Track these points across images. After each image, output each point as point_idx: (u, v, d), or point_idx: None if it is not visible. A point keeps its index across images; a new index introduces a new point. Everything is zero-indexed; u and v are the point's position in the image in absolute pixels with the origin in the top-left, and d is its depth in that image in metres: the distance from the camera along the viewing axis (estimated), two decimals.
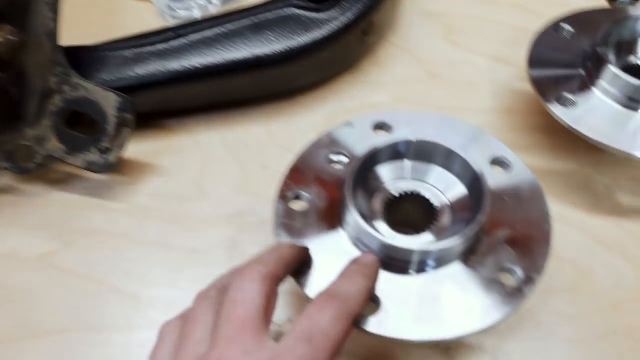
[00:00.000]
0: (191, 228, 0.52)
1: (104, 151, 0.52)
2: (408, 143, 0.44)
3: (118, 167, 0.53)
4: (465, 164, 0.43)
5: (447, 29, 0.67)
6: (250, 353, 0.29)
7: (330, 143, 0.47)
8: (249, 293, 0.32)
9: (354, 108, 0.60)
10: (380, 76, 0.63)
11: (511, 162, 0.45)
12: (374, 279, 0.37)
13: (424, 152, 0.44)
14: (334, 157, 0.46)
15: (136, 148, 0.57)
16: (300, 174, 0.45)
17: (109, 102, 0.52)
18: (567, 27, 0.55)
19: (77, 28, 0.69)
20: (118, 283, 0.49)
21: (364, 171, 0.44)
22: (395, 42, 0.66)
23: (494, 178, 0.44)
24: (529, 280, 0.39)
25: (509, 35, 0.65)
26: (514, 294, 0.38)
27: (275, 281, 0.34)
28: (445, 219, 0.43)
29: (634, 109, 0.49)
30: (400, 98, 0.61)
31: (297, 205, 0.43)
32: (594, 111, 0.49)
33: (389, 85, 0.62)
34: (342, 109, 0.60)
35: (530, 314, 0.45)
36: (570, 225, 0.50)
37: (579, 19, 0.56)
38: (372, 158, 0.43)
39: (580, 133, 0.47)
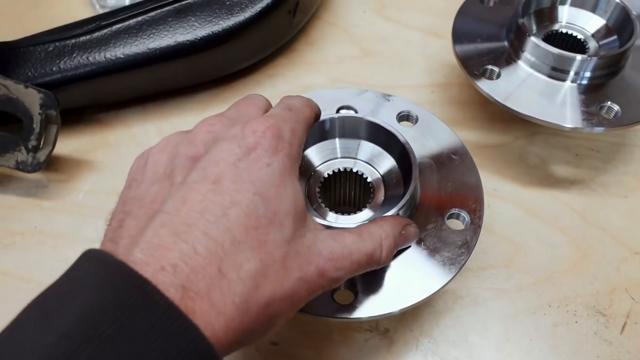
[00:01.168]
0: None
1: (33, 150, 0.47)
2: (332, 120, 0.41)
3: (47, 165, 0.48)
4: (391, 136, 0.40)
5: (381, 5, 0.63)
6: (255, 110, 0.33)
7: None
8: (299, 104, 0.34)
9: (289, 91, 0.55)
10: (315, 56, 0.59)
11: (417, 115, 0.44)
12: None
13: (349, 129, 0.41)
14: None
15: (71, 144, 0.53)
16: None
17: (32, 99, 0.47)
18: None
19: (4, 23, 0.63)
20: None
21: None
22: (330, 20, 0.62)
23: (405, 133, 0.41)
24: (474, 224, 0.38)
25: (441, 7, 0.61)
26: (462, 247, 0.37)
27: (312, 120, 0.35)
28: (380, 193, 0.41)
29: (560, 79, 0.45)
30: (335, 78, 0.56)
31: None
32: (521, 84, 0.45)
33: (324, 65, 0.58)
34: (277, 93, 0.55)
35: (467, 291, 0.43)
36: (505, 199, 0.48)
37: None
38: None
39: (508, 108, 0.44)
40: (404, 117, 0.44)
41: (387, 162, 0.41)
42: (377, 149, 0.41)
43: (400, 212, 0.36)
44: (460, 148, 0.42)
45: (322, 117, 0.40)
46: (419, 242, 0.37)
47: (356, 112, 0.44)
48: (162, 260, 0.25)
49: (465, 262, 0.36)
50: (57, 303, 0.24)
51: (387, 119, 0.42)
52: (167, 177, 0.30)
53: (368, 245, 0.32)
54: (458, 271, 0.36)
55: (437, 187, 0.40)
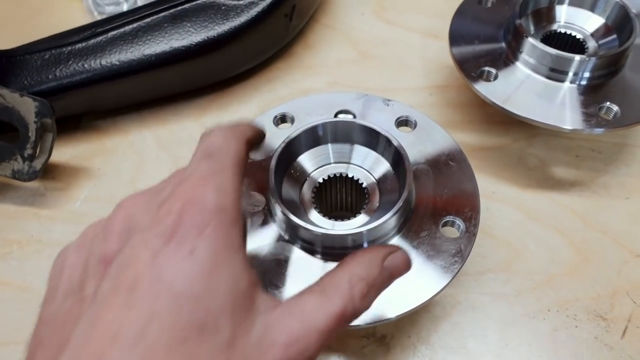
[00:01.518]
0: None
1: (29, 158, 0.47)
2: (324, 125, 0.40)
3: (44, 173, 0.48)
4: (385, 139, 0.39)
5: (380, 7, 0.63)
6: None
7: None
8: (216, 141, 0.28)
9: (287, 95, 0.55)
10: (313, 60, 0.58)
11: (415, 120, 0.43)
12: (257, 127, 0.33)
13: (342, 133, 0.41)
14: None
15: (68, 151, 0.53)
16: None
17: (28, 107, 0.47)
18: None
19: (5, 30, 0.64)
20: None
21: (286, 163, 0.40)
22: (328, 23, 0.61)
23: (404, 139, 0.40)
24: (469, 233, 0.37)
25: (441, 8, 0.61)
26: (456, 255, 0.36)
27: (243, 141, 0.29)
28: (376, 198, 0.40)
29: (559, 80, 0.45)
30: (333, 82, 0.56)
31: None
32: (519, 85, 0.45)
33: (322, 69, 0.58)
34: (275, 97, 0.55)
35: (465, 296, 0.42)
36: (504, 202, 0.47)
37: None
38: (290, 149, 0.40)
39: (506, 110, 0.43)
40: (402, 122, 0.44)
41: (382, 167, 0.41)
42: (372, 153, 0.41)
43: (395, 218, 0.36)
44: (459, 154, 0.41)
45: (314, 123, 0.40)
46: (416, 247, 0.37)
47: (354, 116, 0.44)
48: None
49: (459, 271, 0.36)
50: None
51: (385, 124, 0.42)
52: (80, 287, 0.26)
53: (335, 303, 0.26)
54: (450, 281, 0.35)
55: (432, 193, 0.39)
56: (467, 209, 0.38)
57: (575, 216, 0.46)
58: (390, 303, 0.34)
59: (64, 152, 0.53)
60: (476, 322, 0.41)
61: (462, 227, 0.38)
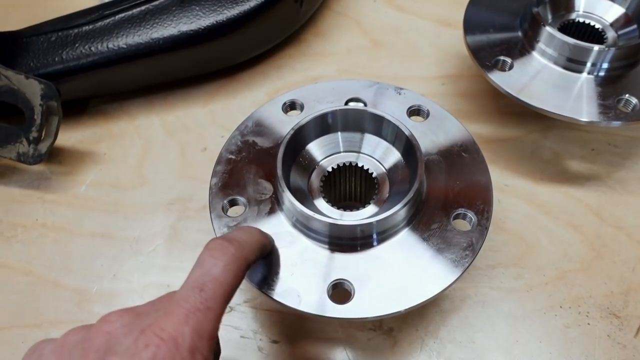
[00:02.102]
0: (132, 217, 0.47)
1: (34, 142, 0.47)
2: (334, 113, 0.39)
3: (49, 157, 0.48)
4: (396, 129, 0.38)
5: None
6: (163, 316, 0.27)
7: (252, 131, 0.41)
8: (215, 270, 0.29)
9: (297, 82, 0.54)
10: (324, 47, 0.57)
11: (428, 109, 0.42)
12: (269, 238, 0.35)
13: (352, 122, 0.40)
14: (258, 140, 0.41)
15: (74, 136, 0.52)
16: (229, 175, 0.39)
17: (33, 90, 0.46)
18: None
19: (13, 11, 0.63)
20: (59, 277, 0.44)
21: (294, 151, 0.39)
22: (339, 10, 0.60)
23: (416, 129, 0.39)
24: (481, 226, 0.36)
25: None
26: (467, 249, 0.35)
27: (240, 265, 0.30)
28: (385, 188, 0.39)
29: (576, 70, 0.44)
30: (344, 70, 0.55)
31: (235, 211, 0.38)
32: (535, 76, 0.44)
33: (332, 57, 0.56)
34: (284, 84, 0.54)
35: (475, 291, 0.41)
36: (517, 195, 0.46)
37: None
38: (299, 136, 0.39)
39: (520, 100, 0.42)
40: (414, 111, 0.43)
41: (392, 157, 0.40)
42: (383, 142, 0.40)
43: (405, 209, 0.35)
44: (472, 145, 0.40)
45: (324, 110, 0.39)
46: (426, 239, 0.36)
47: (365, 104, 0.43)
48: None
49: (469, 265, 0.35)
50: None
51: (397, 113, 0.41)
52: None
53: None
54: (460, 275, 0.34)
55: (444, 184, 0.38)
56: (480, 201, 0.37)
57: (589, 211, 0.45)
58: (399, 296, 0.34)
59: (70, 136, 0.52)
60: (486, 317, 0.40)
61: (474, 220, 0.37)
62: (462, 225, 0.37)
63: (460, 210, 0.37)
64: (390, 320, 0.40)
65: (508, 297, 0.41)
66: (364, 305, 0.33)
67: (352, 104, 0.42)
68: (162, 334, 0.25)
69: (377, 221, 0.34)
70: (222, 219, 0.37)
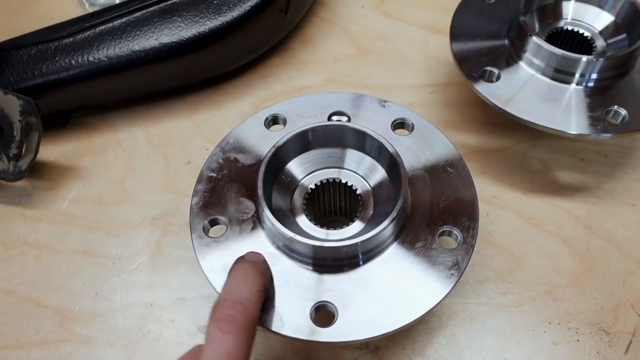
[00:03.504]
0: (114, 233, 0.47)
1: (14, 158, 0.46)
2: (314, 130, 0.39)
3: (31, 172, 0.47)
4: (379, 145, 0.38)
5: (380, 0, 0.61)
6: None
7: (233, 148, 0.41)
8: (231, 345, 0.29)
9: (282, 92, 0.53)
10: (310, 55, 0.57)
11: (413, 122, 0.41)
12: (266, 275, 0.34)
13: (333, 138, 0.39)
14: (240, 158, 0.40)
15: (57, 149, 0.52)
16: (210, 194, 0.39)
17: (12, 106, 0.45)
18: None
19: None
20: (41, 297, 0.44)
21: (276, 170, 0.39)
22: (326, 17, 0.60)
23: (400, 143, 0.39)
24: (467, 244, 0.35)
25: (444, 2, 0.58)
26: (452, 267, 0.35)
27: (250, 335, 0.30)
28: (370, 204, 0.39)
29: (564, 81, 0.43)
30: (330, 79, 0.54)
31: (216, 231, 0.37)
32: (522, 86, 0.43)
33: (319, 65, 0.56)
34: (269, 95, 0.54)
35: (463, 307, 0.41)
36: (505, 207, 0.45)
37: None
38: (279, 155, 0.38)
39: (508, 113, 0.42)
40: (399, 124, 0.42)
41: (376, 173, 0.39)
42: (366, 158, 0.40)
43: (390, 227, 0.35)
44: (457, 160, 0.40)
45: (303, 128, 0.39)
46: (414, 255, 0.35)
47: (349, 118, 0.42)
48: None
49: (455, 285, 0.34)
50: None
51: (381, 127, 0.40)
52: None
53: None
54: (445, 296, 0.34)
55: (429, 201, 0.37)
56: (465, 218, 0.37)
57: (579, 223, 0.44)
58: (384, 317, 0.33)
59: (52, 150, 0.51)
60: (473, 333, 0.40)
61: (459, 237, 0.36)
62: (448, 242, 0.36)
63: (446, 228, 0.36)
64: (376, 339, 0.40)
65: (496, 313, 0.41)
66: (348, 328, 0.33)
67: (335, 118, 0.42)
68: None
69: (362, 241, 0.34)
70: (203, 239, 0.36)
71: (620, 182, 0.47)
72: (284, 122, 0.42)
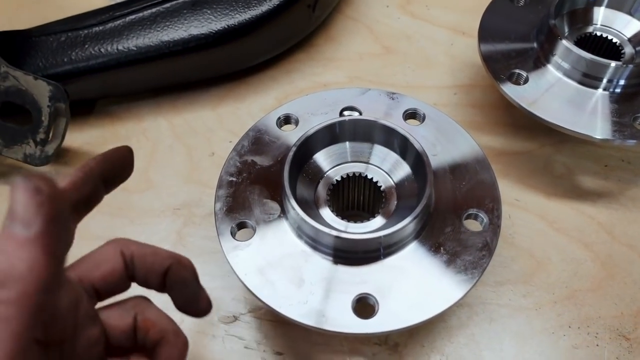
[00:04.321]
0: (138, 221, 0.47)
1: (41, 143, 0.47)
2: (342, 124, 0.39)
3: (57, 158, 0.48)
4: (406, 141, 0.38)
5: (405, 0, 0.61)
6: None
7: (250, 150, 0.41)
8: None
9: (306, 88, 0.54)
10: (335, 52, 0.57)
11: (424, 112, 0.42)
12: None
13: (361, 132, 0.40)
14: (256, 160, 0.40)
15: (82, 137, 0.52)
16: (233, 199, 0.39)
17: (41, 91, 0.46)
18: None
19: (23, 8, 0.63)
20: None
21: (301, 161, 0.39)
22: (352, 15, 0.60)
23: (414, 132, 0.40)
24: (493, 225, 0.36)
25: (470, 4, 0.59)
26: (483, 249, 0.35)
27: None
28: (393, 200, 0.39)
29: (592, 86, 0.43)
30: (354, 77, 0.55)
31: (243, 235, 0.37)
32: (549, 89, 0.43)
33: (343, 62, 0.56)
34: (293, 90, 0.54)
35: (483, 307, 0.41)
36: (528, 210, 0.46)
37: None
38: (306, 147, 0.39)
39: (534, 115, 0.42)
40: (410, 115, 0.43)
41: (401, 169, 0.40)
42: (391, 154, 0.40)
43: (413, 223, 0.35)
44: (472, 145, 0.40)
45: (331, 121, 0.39)
46: (437, 248, 0.36)
47: (360, 113, 0.42)
48: None
49: (487, 265, 0.35)
50: None
51: (393, 118, 0.41)
52: None
53: None
54: (481, 275, 0.34)
55: (451, 187, 0.38)
56: (488, 200, 0.38)
57: (601, 229, 0.45)
58: (425, 303, 0.34)
59: (76, 137, 0.52)
60: (493, 334, 0.40)
61: (485, 220, 0.37)
62: (475, 225, 0.37)
63: (471, 211, 0.37)
64: (395, 335, 0.40)
65: (516, 315, 0.41)
66: (391, 318, 0.33)
67: (346, 113, 0.42)
68: None
69: (396, 231, 0.34)
70: (231, 243, 0.37)
71: None
72: (296, 122, 0.42)
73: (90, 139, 0.52)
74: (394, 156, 0.40)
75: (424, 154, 0.37)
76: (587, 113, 0.42)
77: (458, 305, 0.41)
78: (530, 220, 0.45)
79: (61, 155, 0.50)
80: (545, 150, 0.49)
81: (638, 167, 0.48)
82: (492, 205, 0.37)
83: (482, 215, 0.37)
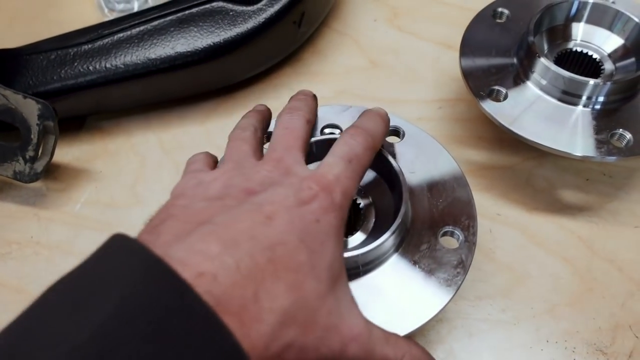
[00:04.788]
0: None
1: (31, 160, 0.48)
2: (317, 143, 0.40)
3: (47, 174, 0.49)
4: (383, 159, 0.39)
5: (393, 13, 0.62)
6: (299, 161, 0.33)
7: None
8: (297, 125, 0.36)
9: None
10: (322, 67, 0.58)
11: (404, 130, 0.43)
12: (388, 122, 0.38)
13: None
14: None
15: (71, 152, 0.53)
16: None
17: (30, 109, 0.47)
18: (503, 10, 0.50)
19: (16, 23, 0.64)
20: None
21: None
22: (338, 29, 0.61)
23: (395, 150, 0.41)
24: (469, 242, 0.37)
25: (456, 18, 0.60)
26: (458, 266, 0.36)
27: (310, 127, 0.37)
28: (372, 216, 0.40)
29: (571, 103, 0.44)
30: (341, 91, 0.56)
31: None
32: (529, 107, 0.44)
33: (330, 77, 0.57)
34: (281, 104, 0.54)
35: (462, 322, 0.42)
36: (509, 225, 0.46)
37: (516, 1, 0.50)
38: None
39: (514, 133, 0.42)
40: (391, 132, 0.43)
41: (378, 185, 0.40)
42: (369, 171, 0.41)
43: (392, 239, 0.36)
44: (450, 162, 0.41)
45: (312, 139, 0.40)
46: (414, 264, 0.36)
47: (341, 130, 0.43)
48: (202, 266, 0.25)
49: (462, 282, 0.35)
50: (90, 294, 0.23)
51: None
52: (219, 199, 0.31)
53: (390, 352, 0.31)
54: (456, 292, 0.35)
55: (428, 205, 0.39)
56: (464, 217, 0.38)
57: (581, 243, 0.45)
58: (399, 320, 0.34)
59: (67, 152, 0.53)
60: (472, 349, 0.41)
61: (460, 237, 0.37)
62: (450, 242, 0.38)
63: (447, 228, 0.38)
64: None
65: (495, 330, 0.42)
66: None
67: (327, 131, 0.43)
68: (322, 182, 0.31)
69: (362, 254, 0.35)
70: None
71: (624, 203, 0.47)
72: None
73: (80, 155, 0.53)
74: (371, 174, 0.41)
75: (400, 172, 0.38)
76: (568, 130, 0.43)
77: (437, 320, 0.41)
78: (511, 234, 0.46)
79: (51, 171, 0.51)
80: (528, 165, 0.50)
81: (619, 181, 0.48)
82: (468, 222, 0.38)
83: (457, 232, 0.38)
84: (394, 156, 0.40)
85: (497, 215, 0.47)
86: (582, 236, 0.46)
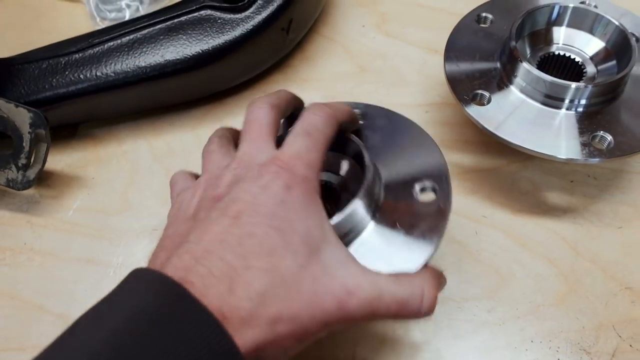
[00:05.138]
0: (116, 243, 0.49)
1: (23, 168, 0.49)
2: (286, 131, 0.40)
3: (39, 181, 0.50)
4: (343, 136, 0.39)
5: (381, 19, 0.62)
6: (262, 149, 0.35)
7: None
8: (260, 114, 0.37)
9: None
10: (311, 73, 0.58)
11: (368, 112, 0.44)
12: (350, 108, 0.40)
13: None
14: None
15: (64, 159, 0.54)
16: None
17: (22, 118, 0.48)
18: (487, 15, 0.51)
19: (9, 32, 0.65)
20: (44, 303, 0.46)
21: None
22: (327, 35, 0.62)
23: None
24: (444, 191, 0.38)
25: (443, 23, 0.60)
26: (438, 215, 0.36)
27: (278, 111, 0.38)
28: (345, 194, 0.40)
29: (554, 106, 0.44)
30: (329, 96, 0.56)
31: None
32: (513, 111, 0.45)
33: (319, 82, 0.58)
34: None
35: (448, 323, 0.42)
36: (494, 227, 0.47)
37: (500, 6, 0.51)
38: None
39: (498, 137, 0.43)
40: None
41: (355, 174, 0.40)
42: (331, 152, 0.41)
43: (362, 203, 0.36)
44: (410, 123, 0.42)
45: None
46: (394, 224, 0.37)
47: None
48: (184, 277, 0.29)
49: (445, 228, 0.36)
50: (110, 306, 0.30)
51: None
52: (194, 216, 0.34)
53: (404, 290, 0.32)
54: (441, 237, 0.35)
55: (397, 167, 0.39)
56: (435, 169, 0.39)
57: (565, 244, 0.46)
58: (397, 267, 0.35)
59: (59, 160, 0.54)
60: (457, 349, 0.41)
61: (436, 187, 0.38)
62: (427, 196, 0.38)
63: (420, 184, 0.38)
64: (362, 351, 0.41)
65: (480, 330, 0.42)
66: None
67: None
68: (280, 162, 0.33)
69: (336, 224, 0.35)
70: None
71: (608, 204, 0.48)
72: None
73: (72, 162, 0.54)
74: (346, 164, 0.41)
75: (358, 141, 0.39)
76: (551, 133, 0.44)
77: (424, 320, 0.42)
78: (497, 236, 0.47)
79: (43, 179, 0.52)
80: (513, 167, 0.50)
81: (603, 183, 0.49)
82: (439, 173, 0.38)
83: (430, 183, 0.38)
84: (359, 135, 0.41)
85: (482, 218, 0.47)
86: (566, 237, 0.46)
